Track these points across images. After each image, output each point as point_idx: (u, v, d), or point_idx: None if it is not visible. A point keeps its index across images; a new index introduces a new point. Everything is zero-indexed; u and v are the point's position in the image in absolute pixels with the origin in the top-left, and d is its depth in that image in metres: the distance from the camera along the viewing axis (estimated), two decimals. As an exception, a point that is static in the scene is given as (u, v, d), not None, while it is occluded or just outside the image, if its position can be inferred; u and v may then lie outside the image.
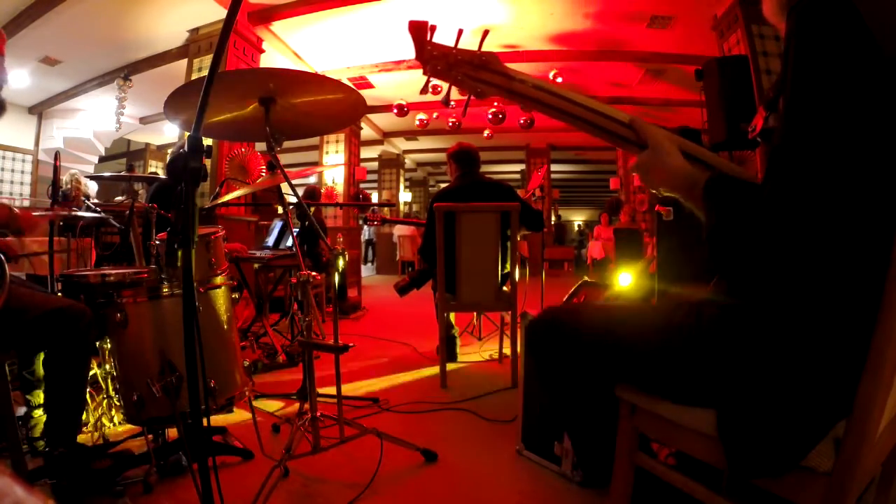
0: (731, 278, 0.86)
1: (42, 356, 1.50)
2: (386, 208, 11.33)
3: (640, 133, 0.88)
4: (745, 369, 0.74)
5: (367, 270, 10.83)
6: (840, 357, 0.68)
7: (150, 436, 1.50)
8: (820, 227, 0.66)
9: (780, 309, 0.72)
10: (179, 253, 0.78)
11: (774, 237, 0.67)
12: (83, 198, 2.48)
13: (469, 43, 0.87)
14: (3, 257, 1.24)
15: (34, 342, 1.34)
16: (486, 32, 1.00)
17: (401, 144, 11.61)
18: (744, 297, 0.78)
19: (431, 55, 0.88)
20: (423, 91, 0.97)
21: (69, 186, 4.01)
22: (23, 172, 7.47)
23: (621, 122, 0.89)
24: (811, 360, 0.69)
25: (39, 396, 1.59)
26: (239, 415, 1.91)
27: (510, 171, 14.61)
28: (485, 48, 0.91)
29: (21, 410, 1.61)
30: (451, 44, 0.90)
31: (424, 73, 0.90)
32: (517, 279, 2.52)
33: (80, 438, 1.51)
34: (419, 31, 0.88)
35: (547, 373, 1.02)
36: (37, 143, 7.58)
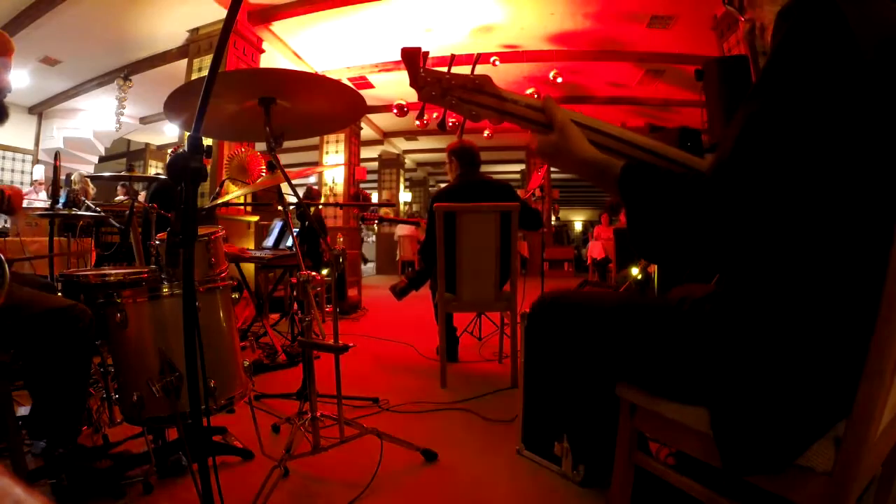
0: (660, 264, 0.87)
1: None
2: (385, 209, 11.34)
3: (548, 114, 0.88)
4: (740, 365, 0.74)
5: (366, 270, 10.82)
6: (834, 356, 0.68)
7: (150, 436, 1.50)
8: (796, 218, 0.66)
9: (772, 306, 0.73)
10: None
11: (727, 225, 0.67)
12: (82, 198, 2.48)
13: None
14: (2, 257, 1.24)
15: (34, 342, 1.34)
16: (477, 56, 1.01)
17: (401, 144, 11.62)
18: (741, 294, 0.78)
19: (426, 81, 0.89)
20: (419, 118, 0.98)
21: (77, 187, 4.01)
22: (23, 172, 7.47)
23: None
24: (803, 357, 0.69)
25: None
26: (239, 415, 1.91)
27: (510, 171, 14.61)
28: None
29: (21, 410, 1.61)
30: (445, 69, 0.91)
31: (419, 100, 0.91)
32: (517, 279, 2.52)
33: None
34: (412, 57, 0.88)
35: (546, 360, 1.02)
36: (37, 143, 7.58)
